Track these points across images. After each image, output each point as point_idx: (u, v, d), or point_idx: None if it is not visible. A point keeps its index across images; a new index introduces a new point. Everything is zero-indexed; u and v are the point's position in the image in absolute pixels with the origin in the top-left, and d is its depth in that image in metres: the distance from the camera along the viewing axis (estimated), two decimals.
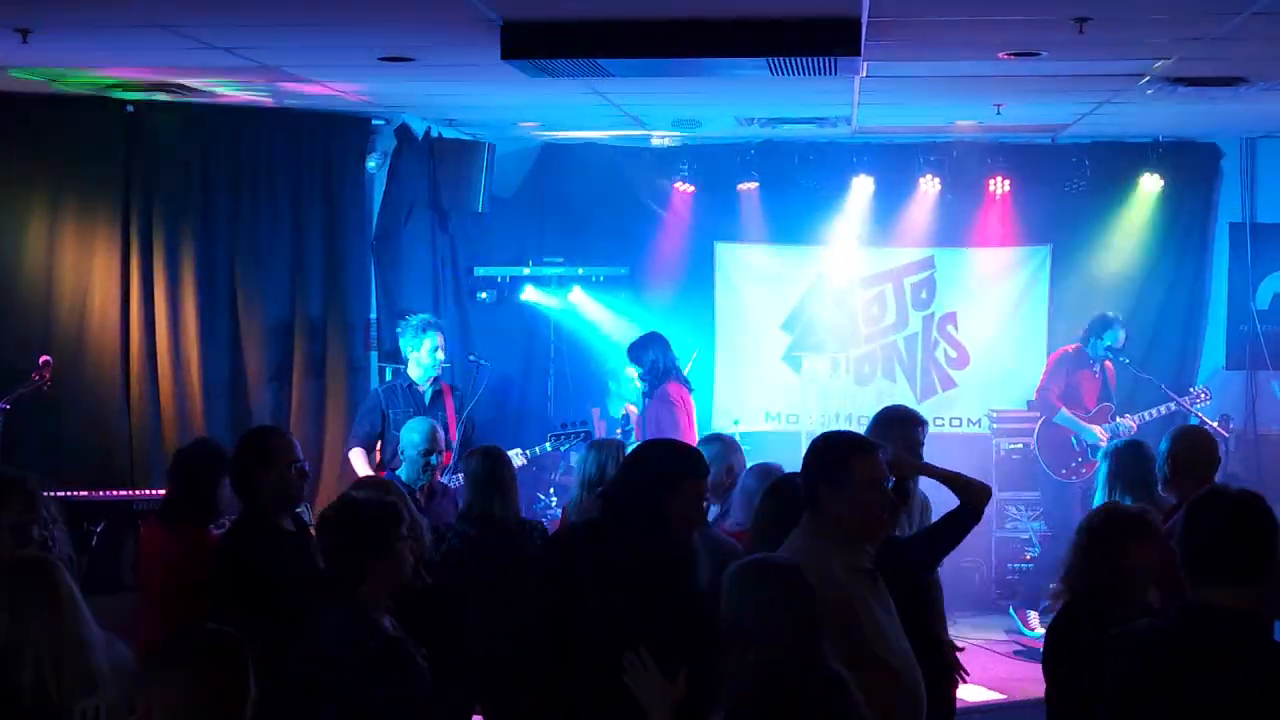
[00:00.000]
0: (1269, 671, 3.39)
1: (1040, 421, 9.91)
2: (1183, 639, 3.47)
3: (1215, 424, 9.56)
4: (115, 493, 7.86)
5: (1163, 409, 9.75)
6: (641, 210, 11.02)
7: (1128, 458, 5.96)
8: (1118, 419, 9.71)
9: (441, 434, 7.06)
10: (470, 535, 5.88)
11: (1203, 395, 9.87)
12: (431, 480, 6.95)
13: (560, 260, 10.82)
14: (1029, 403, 10.38)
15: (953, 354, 11.12)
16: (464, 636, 5.34)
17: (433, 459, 6.88)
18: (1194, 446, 5.67)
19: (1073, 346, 10.03)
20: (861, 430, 6.21)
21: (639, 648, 3.86)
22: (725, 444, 6.46)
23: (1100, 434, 9.55)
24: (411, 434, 6.94)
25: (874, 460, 4.22)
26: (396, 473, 6.90)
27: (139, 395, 8.61)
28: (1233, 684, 3.38)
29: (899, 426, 5.54)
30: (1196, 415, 9.71)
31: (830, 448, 4.27)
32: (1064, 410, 9.76)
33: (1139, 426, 9.52)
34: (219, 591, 5.19)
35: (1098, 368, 9.91)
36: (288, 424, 8.76)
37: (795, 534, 4.27)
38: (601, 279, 10.80)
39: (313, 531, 5.48)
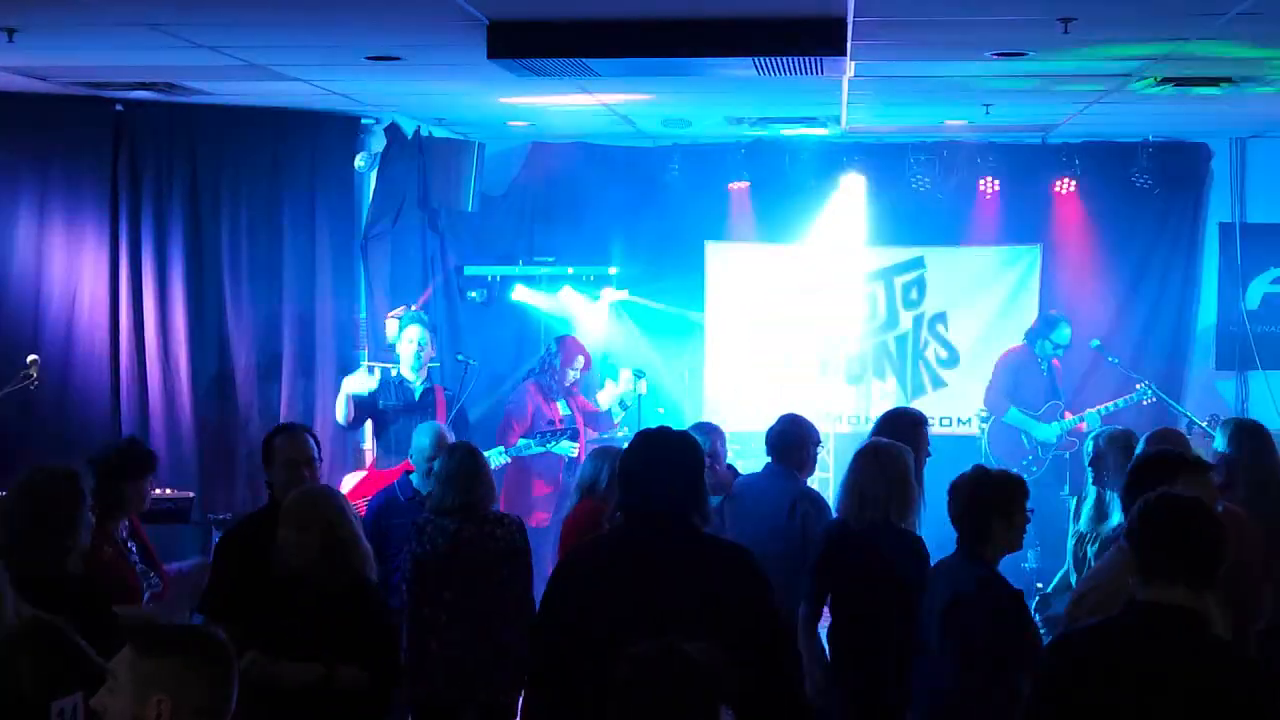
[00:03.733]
0: (1209, 667, 3.45)
1: (990, 421, 10.02)
2: (1129, 633, 3.53)
3: (1205, 424, 9.57)
4: None
5: (1110, 404, 9.82)
6: (632, 209, 10.99)
7: (1114, 448, 5.97)
8: (1067, 416, 9.89)
9: (451, 438, 6.56)
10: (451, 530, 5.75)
11: (1141, 385, 9.87)
12: None
13: (551, 259, 10.79)
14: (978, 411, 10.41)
15: (943, 353, 11.11)
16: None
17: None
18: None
19: (1019, 346, 10.14)
20: (869, 430, 6.30)
21: None
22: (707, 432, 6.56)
23: (1059, 426, 9.78)
24: (420, 439, 6.50)
25: (1208, 479, 4.29)
26: (410, 477, 6.58)
27: (127, 395, 8.59)
28: (1174, 679, 3.44)
29: (912, 428, 5.85)
30: (1186, 414, 9.74)
31: (1163, 466, 4.31)
32: (1014, 408, 9.90)
33: (1086, 425, 9.59)
34: (215, 581, 5.39)
35: (1045, 366, 10.01)
36: (276, 423, 8.72)
37: (1111, 554, 4.31)
38: (592, 278, 10.77)
39: None
